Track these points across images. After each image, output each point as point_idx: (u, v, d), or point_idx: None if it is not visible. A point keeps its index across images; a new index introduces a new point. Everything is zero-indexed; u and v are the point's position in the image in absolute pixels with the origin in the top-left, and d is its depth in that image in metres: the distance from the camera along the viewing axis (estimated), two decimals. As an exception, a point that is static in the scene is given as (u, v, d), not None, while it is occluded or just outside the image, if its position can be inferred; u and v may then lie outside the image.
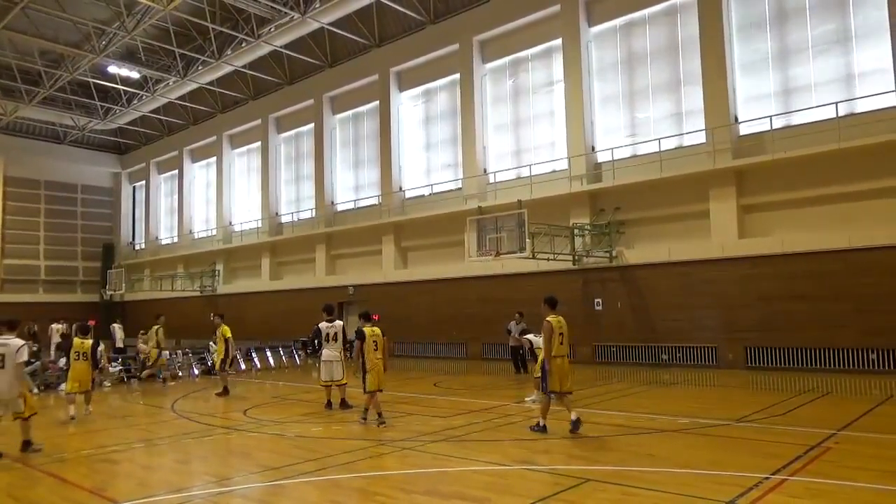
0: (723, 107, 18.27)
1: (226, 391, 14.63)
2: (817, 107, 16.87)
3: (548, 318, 9.31)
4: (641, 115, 20.54)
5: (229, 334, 15.07)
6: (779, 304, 16.70)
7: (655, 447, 8.29)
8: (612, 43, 21.26)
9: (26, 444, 8.97)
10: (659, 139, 19.39)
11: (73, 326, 12.96)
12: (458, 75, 24.85)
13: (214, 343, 21.05)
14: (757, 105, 18.21)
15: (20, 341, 9.20)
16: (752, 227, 17.83)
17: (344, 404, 12.05)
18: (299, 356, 24.19)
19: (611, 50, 21.30)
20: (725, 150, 18.02)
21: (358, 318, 11.34)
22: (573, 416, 8.96)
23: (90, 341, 12.46)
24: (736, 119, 18.38)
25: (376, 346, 10.36)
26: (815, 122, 16.80)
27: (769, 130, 17.55)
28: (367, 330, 10.41)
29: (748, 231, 17.84)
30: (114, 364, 18.08)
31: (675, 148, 19.33)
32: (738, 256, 17.53)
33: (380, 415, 10.20)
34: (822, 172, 16.46)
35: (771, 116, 17.57)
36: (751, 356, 17.18)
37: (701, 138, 18.72)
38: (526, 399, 12.31)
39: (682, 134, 19.39)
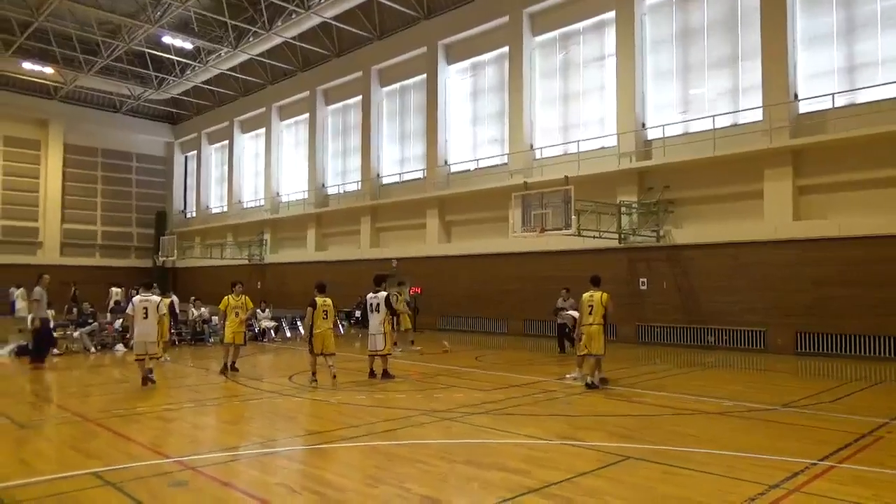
0: (782, 83, 17.57)
1: (226, 368, 12.97)
2: (883, 84, 16.10)
3: (584, 295, 11.47)
4: (695, 92, 19.93)
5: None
6: (832, 290, 16.17)
7: (699, 428, 8.20)
8: (668, 16, 20.60)
9: (147, 378, 11.23)
10: (713, 116, 18.82)
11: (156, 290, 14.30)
12: (506, 48, 24.49)
13: (262, 311, 21.69)
14: (818, 82, 17.45)
15: (158, 298, 11.93)
16: (808, 209, 17.24)
17: (386, 374, 12.25)
18: (343, 326, 24.61)
19: (666, 23, 20.65)
20: (783, 128, 17.39)
21: (314, 289, 12.02)
22: (598, 377, 11.17)
23: (168, 300, 15.79)
24: (796, 96, 17.68)
25: (326, 314, 11.71)
26: (880, 100, 16.04)
27: (831, 108, 16.86)
28: (319, 300, 11.67)
29: (803, 213, 17.26)
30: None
31: (730, 126, 18.74)
32: (791, 239, 16.98)
33: (334, 376, 11.57)
34: (885, 154, 15.72)
35: (833, 94, 16.85)
36: (801, 341, 16.73)
37: (757, 116, 18.09)
38: (567, 376, 12.27)
39: (737, 111, 18.77)
